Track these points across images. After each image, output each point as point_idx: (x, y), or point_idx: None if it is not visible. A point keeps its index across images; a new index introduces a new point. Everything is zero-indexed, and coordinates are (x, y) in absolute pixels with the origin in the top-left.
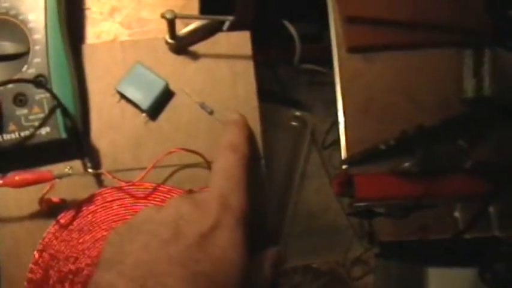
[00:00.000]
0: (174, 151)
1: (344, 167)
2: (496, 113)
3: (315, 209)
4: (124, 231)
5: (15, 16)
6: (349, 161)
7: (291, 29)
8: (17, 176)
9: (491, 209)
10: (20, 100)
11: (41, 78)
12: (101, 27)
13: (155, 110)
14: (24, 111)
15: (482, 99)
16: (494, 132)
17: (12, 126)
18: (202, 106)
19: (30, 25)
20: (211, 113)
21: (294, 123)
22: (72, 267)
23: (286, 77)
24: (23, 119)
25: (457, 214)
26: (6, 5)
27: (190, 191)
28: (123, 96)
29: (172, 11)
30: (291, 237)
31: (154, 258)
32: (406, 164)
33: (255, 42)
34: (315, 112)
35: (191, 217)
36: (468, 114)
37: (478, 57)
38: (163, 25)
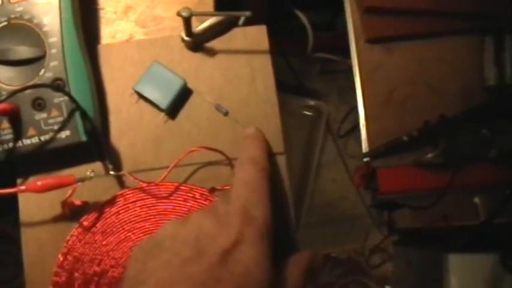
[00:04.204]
0: (195, 150)
1: (366, 159)
2: None
3: (332, 198)
4: (148, 248)
5: (30, 20)
6: (372, 154)
7: (303, 18)
8: (40, 181)
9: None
10: (39, 104)
11: (58, 82)
12: (115, 26)
13: (174, 108)
14: (43, 115)
15: (505, 86)
16: None
17: (32, 131)
18: (218, 107)
19: (46, 28)
20: (226, 113)
21: (308, 113)
22: (97, 269)
23: (299, 66)
24: (42, 123)
25: (476, 200)
26: (20, 9)
27: (212, 189)
28: (141, 95)
29: (188, 8)
30: (308, 226)
31: (175, 278)
32: (430, 155)
33: (268, 32)
34: (329, 101)
35: (213, 233)
36: (491, 103)
37: (498, 44)
38: (179, 22)
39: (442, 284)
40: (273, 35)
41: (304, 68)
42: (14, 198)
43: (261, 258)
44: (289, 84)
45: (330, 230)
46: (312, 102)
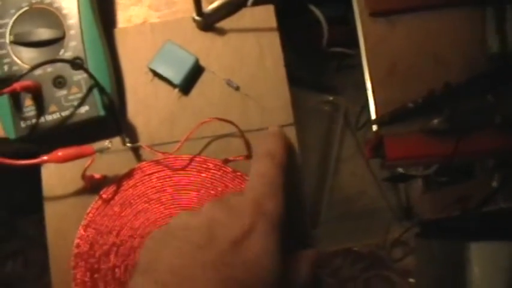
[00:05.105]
0: (207, 121)
1: (374, 128)
2: None
3: (352, 192)
4: (159, 237)
5: (50, 4)
6: (379, 121)
7: (317, 12)
8: (60, 152)
9: None
10: (59, 82)
11: (77, 60)
12: (130, 11)
13: (187, 85)
14: (64, 92)
15: (507, 53)
16: None
17: (53, 107)
18: (229, 83)
19: (64, 11)
20: (237, 88)
21: (326, 108)
22: (116, 240)
23: (315, 62)
24: (63, 99)
25: (495, 184)
26: None
27: (225, 160)
28: (155, 73)
29: None
30: (329, 221)
31: (188, 264)
32: (435, 122)
33: (282, 28)
34: (346, 95)
35: (225, 222)
36: (494, 70)
37: (500, 13)
38: (190, 5)
39: (464, 273)
40: (287, 31)
41: (321, 63)
42: (38, 196)
43: (272, 248)
44: (305, 81)
45: (350, 224)
46: (329, 98)
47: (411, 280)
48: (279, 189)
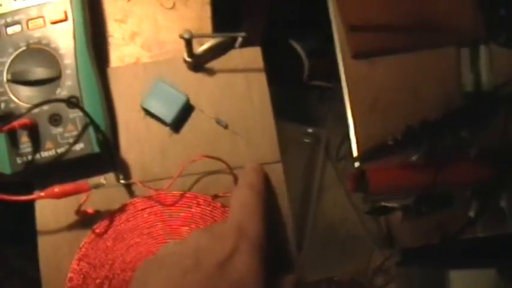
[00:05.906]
0: (197, 159)
1: (356, 165)
2: (495, 104)
3: (334, 221)
4: (148, 266)
5: (47, 45)
6: (361, 157)
7: (298, 47)
8: (57, 188)
9: (504, 205)
10: (55, 120)
11: (73, 99)
12: (123, 51)
13: (178, 123)
14: (60, 129)
15: (481, 91)
16: (495, 121)
17: (49, 144)
18: (218, 121)
19: (61, 52)
20: (226, 127)
21: (307, 140)
22: (109, 273)
23: (297, 94)
24: (58, 137)
25: (471, 214)
26: (38, 35)
27: (215, 196)
28: (147, 112)
29: (189, 31)
30: (311, 249)
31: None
32: (414, 157)
33: (264, 61)
34: (327, 127)
35: (209, 248)
36: (469, 107)
37: (474, 53)
38: (181, 45)
39: None
40: (269, 65)
41: (302, 96)
42: (26, 227)
43: (255, 268)
44: (287, 113)
45: (333, 251)
46: (310, 130)
47: None
48: (259, 215)
